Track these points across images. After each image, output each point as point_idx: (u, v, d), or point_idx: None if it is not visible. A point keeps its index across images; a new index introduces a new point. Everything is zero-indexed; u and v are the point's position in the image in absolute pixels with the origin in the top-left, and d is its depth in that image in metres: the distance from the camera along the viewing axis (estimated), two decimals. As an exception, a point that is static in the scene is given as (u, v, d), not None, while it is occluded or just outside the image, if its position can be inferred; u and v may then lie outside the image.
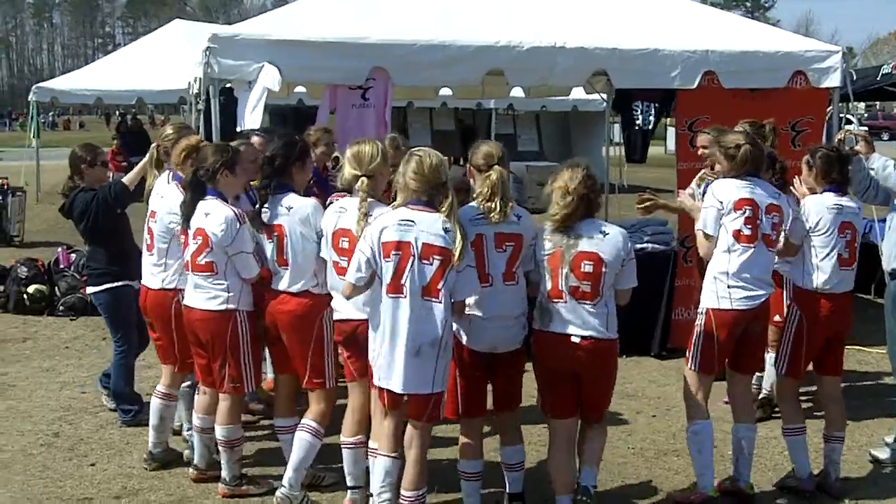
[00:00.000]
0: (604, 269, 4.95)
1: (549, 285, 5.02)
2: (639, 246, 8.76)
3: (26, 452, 6.40)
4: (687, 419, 5.63)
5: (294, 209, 5.40)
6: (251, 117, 7.72)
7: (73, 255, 11.19)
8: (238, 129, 7.78)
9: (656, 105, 9.20)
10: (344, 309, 5.22)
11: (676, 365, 8.11)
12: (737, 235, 5.47)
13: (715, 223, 5.52)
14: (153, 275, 6.06)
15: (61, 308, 10.36)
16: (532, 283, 5.16)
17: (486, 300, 5.02)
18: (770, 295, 5.63)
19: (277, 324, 5.48)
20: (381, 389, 4.89)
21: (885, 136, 50.98)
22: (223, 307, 5.51)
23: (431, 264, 4.73)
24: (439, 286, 4.74)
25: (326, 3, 8.65)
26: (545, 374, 5.17)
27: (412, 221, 4.77)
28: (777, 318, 6.87)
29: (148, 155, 6.38)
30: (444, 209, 4.79)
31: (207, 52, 7.63)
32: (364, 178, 5.12)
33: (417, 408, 4.86)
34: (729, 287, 5.46)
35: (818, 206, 5.77)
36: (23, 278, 10.57)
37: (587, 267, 4.95)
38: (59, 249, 11.41)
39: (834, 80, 8.82)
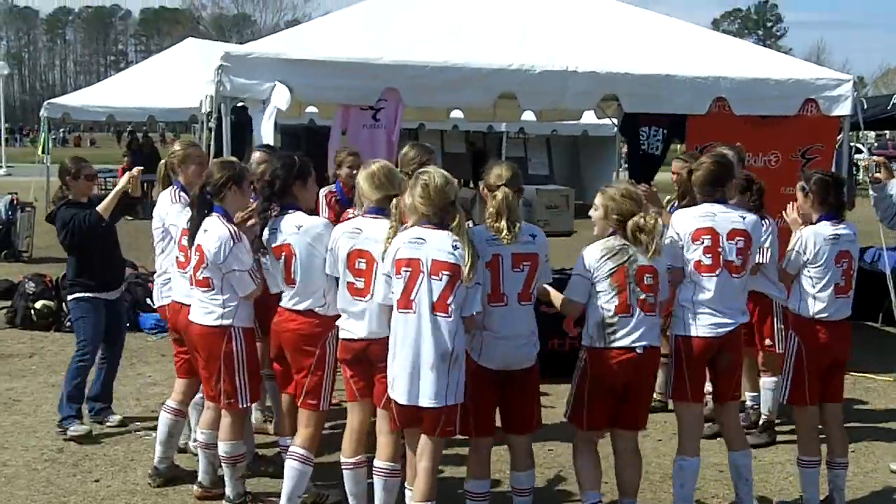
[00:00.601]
0: (659, 280, 5.22)
1: (616, 301, 5.13)
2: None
3: (31, 467, 6.39)
4: (677, 451, 5.61)
5: (304, 228, 5.39)
6: (264, 136, 7.76)
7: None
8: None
9: (665, 130, 9.17)
10: (354, 329, 5.22)
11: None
12: (697, 266, 5.46)
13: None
14: (184, 293, 6.03)
15: (68, 324, 10.30)
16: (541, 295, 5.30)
17: (500, 319, 5.06)
18: (740, 324, 5.58)
19: (282, 341, 5.48)
20: (394, 404, 4.94)
21: (895, 166, 51.02)
22: (218, 322, 5.55)
23: (441, 280, 4.80)
24: (448, 301, 4.81)
25: (339, 23, 8.72)
26: (596, 388, 5.25)
27: (423, 239, 4.85)
28: (768, 342, 6.89)
29: (158, 171, 6.49)
30: (453, 227, 4.86)
31: (220, 71, 7.68)
32: (398, 198, 5.09)
33: (430, 421, 4.89)
34: (695, 314, 5.47)
35: (816, 238, 5.74)
36: (30, 294, 10.59)
37: (649, 279, 5.17)
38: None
39: (845, 109, 8.83)
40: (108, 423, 7.26)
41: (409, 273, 4.83)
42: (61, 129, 59.67)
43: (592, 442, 5.40)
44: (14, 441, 6.90)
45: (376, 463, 5.24)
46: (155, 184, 6.55)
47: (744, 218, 5.60)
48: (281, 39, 8.75)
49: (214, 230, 5.50)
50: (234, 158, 6.04)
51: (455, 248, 4.82)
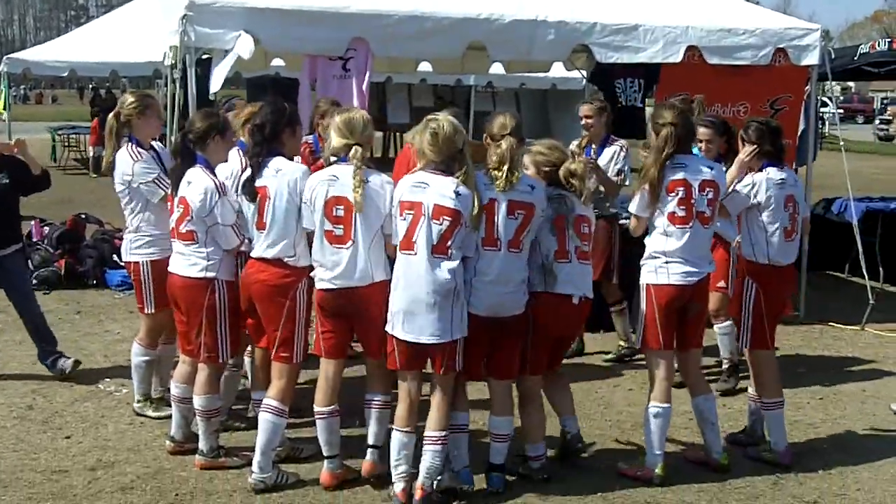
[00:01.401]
0: (592, 230, 5.46)
1: (555, 246, 5.25)
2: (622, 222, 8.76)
3: (0, 425, 6.33)
4: (649, 398, 5.67)
5: (283, 171, 5.33)
6: (213, 82, 7.63)
7: (47, 229, 11.08)
8: (210, 97, 7.74)
9: (641, 81, 9.15)
10: (332, 279, 5.21)
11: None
12: (672, 218, 5.50)
13: (645, 206, 5.55)
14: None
15: (35, 281, 10.18)
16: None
17: (491, 264, 5.13)
18: (709, 273, 5.68)
19: (252, 293, 5.43)
20: (396, 341, 5.08)
21: (860, 120, 51.39)
22: (201, 275, 5.51)
23: (441, 224, 4.96)
24: (448, 244, 4.98)
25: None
26: (541, 334, 5.38)
27: (426, 184, 5.02)
28: (721, 283, 6.95)
29: (107, 126, 6.27)
30: (459, 175, 5.00)
31: (184, 20, 7.53)
32: (358, 147, 5.15)
33: (434, 358, 5.09)
34: (667, 263, 5.53)
35: (768, 183, 5.82)
36: (-3, 250, 10.42)
37: (585, 228, 5.36)
38: (33, 223, 11.29)
39: (813, 58, 8.85)
40: (67, 370, 7.22)
41: (411, 215, 4.99)
42: (22, 86, 58.76)
43: (539, 391, 5.58)
44: (-18, 399, 6.83)
45: (368, 396, 5.39)
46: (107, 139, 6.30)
47: (711, 168, 5.66)
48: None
49: (199, 182, 5.45)
50: (216, 111, 5.95)
51: (457, 194, 4.97)
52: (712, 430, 5.73)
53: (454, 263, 5.00)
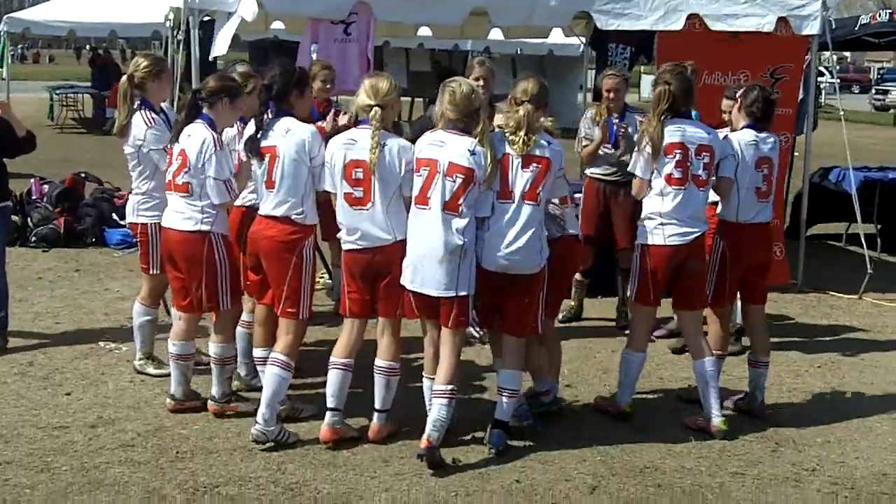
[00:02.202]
0: None
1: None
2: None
3: (0, 381, 6.38)
4: (626, 345, 5.94)
5: (292, 132, 5.40)
6: (218, 46, 7.62)
7: (46, 187, 11.09)
8: (210, 59, 7.73)
9: (631, 48, 9.14)
10: (358, 240, 5.33)
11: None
12: (668, 179, 5.65)
13: (646, 166, 5.69)
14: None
15: (33, 239, 10.25)
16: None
17: (505, 218, 5.24)
18: (704, 231, 5.81)
19: (259, 249, 5.50)
20: (410, 293, 5.27)
21: (856, 89, 51.28)
22: (197, 228, 5.57)
23: (454, 181, 5.12)
24: (460, 202, 5.14)
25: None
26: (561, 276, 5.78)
27: (443, 142, 5.19)
28: None
29: (120, 88, 6.25)
30: (476, 134, 5.15)
31: (188, -19, 7.53)
32: (377, 108, 5.24)
33: (444, 311, 5.24)
34: (662, 224, 5.68)
35: (738, 142, 5.98)
36: (-6, 209, 10.43)
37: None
38: (32, 181, 11.29)
39: (814, 28, 8.82)
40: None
41: (427, 172, 5.17)
42: (19, 46, 58.37)
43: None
44: (-18, 355, 6.88)
45: (377, 362, 5.46)
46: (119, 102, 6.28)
47: (708, 133, 5.78)
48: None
49: (198, 135, 5.52)
50: (232, 75, 5.97)
51: (472, 153, 5.12)
52: (709, 394, 5.80)
53: (464, 221, 5.15)
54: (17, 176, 13.73)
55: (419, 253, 5.19)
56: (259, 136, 5.44)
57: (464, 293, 5.21)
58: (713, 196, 6.07)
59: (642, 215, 5.79)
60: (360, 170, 5.24)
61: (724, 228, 6.07)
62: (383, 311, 5.47)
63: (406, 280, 5.26)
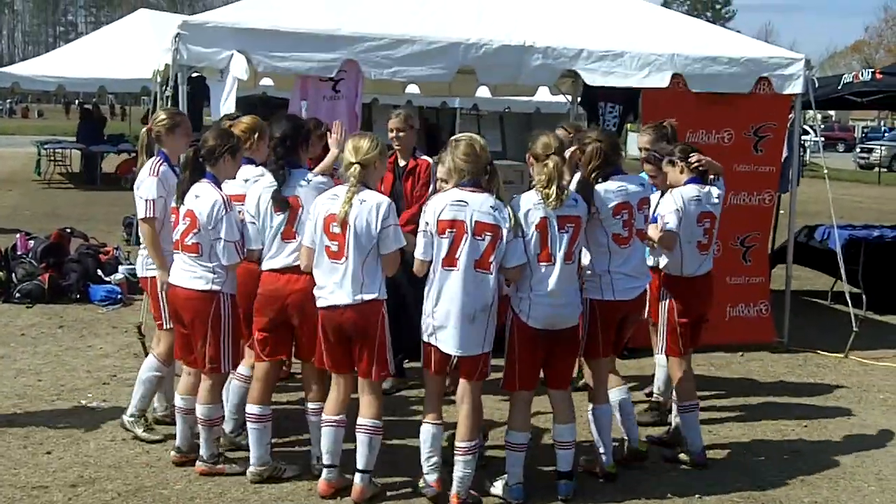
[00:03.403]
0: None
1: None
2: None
3: (-20, 439, 6.31)
4: (593, 402, 5.94)
5: (313, 182, 5.60)
6: (225, 107, 7.69)
7: (32, 242, 11.06)
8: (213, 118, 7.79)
9: (620, 107, 9.23)
10: (334, 296, 5.32)
11: (637, 364, 8.18)
12: (616, 238, 5.75)
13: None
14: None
15: (17, 295, 10.19)
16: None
17: (548, 278, 5.35)
18: (647, 283, 6.03)
19: (289, 304, 5.54)
20: (434, 351, 5.33)
21: (841, 148, 51.80)
22: (207, 287, 5.61)
23: (483, 240, 5.24)
24: (490, 259, 5.26)
25: (297, -6, 8.61)
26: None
27: (465, 202, 5.27)
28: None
29: (140, 140, 6.37)
30: (494, 189, 5.33)
31: (177, 39, 7.56)
32: (357, 166, 5.31)
33: (470, 367, 5.36)
34: (612, 280, 5.77)
35: (683, 198, 6.13)
36: (-22, 264, 10.41)
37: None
38: (18, 236, 11.27)
39: (796, 87, 8.94)
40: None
41: (453, 234, 5.24)
42: (8, 100, 58.67)
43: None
44: (-37, 412, 6.80)
45: (360, 420, 5.44)
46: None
47: (642, 185, 6.00)
48: (239, 9, 8.61)
49: (207, 196, 5.57)
50: (230, 129, 6.05)
51: (495, 209, 5.27)
52: (628, 423, 6.07)
53: (495, 279, 5.31)
54: (2, 231, 13.82)
55: (450, 314, 5.25)
56: (281, 188, 5.57)
57: (489, 349, 5.38)
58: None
59: (589, 269, 5.84)
60: (337, 224, 5.29)
61: (670, 282, 6.25)
62: (362, 373, 5.44)
63: (441, 343, 5.30)
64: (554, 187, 5.33)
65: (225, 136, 5.80)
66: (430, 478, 5.42)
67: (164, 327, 6.25)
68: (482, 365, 5.38)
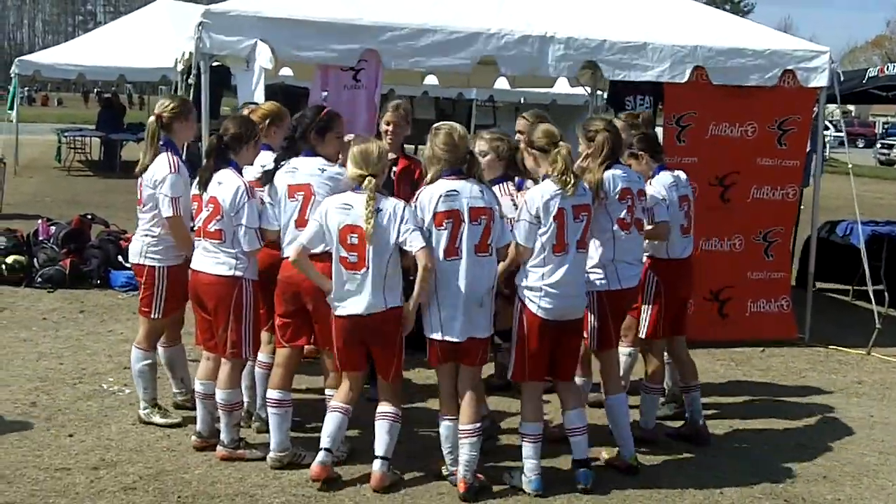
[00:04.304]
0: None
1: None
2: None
3: (3, 421, 6.33)
4: (605, 392, 5.97)
5: (327, 173, 5.59)
6: (255, 94, 7.70)
7: (53, 228, 11.10)
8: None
9: (651, 98, 9.16)
10: (351, 305, 5.30)
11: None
12: (620, 223, 5.77)
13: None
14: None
15: (39, 279, 10.25)
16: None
17: (560, 268, 5.37)
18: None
19: (302, 290, 5.54)
20: (439, 343, 5.33)
21: (861, 144, 51.54)
22: (230, 273, 5.65)
23: (480, 224, 5.28)
24: (489, 241, 5.32)
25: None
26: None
27: (456, 191, 5.28)
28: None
29: (148, 128, 6.22)
30: (474, 174, 5.37)
31: (200, 27, 7.60)
32: (371, 178, 5.26)
33: (475, 351, 5.39)
34: (617, 269, 5.79)
35: (659, 187, 6.25)
36: (1, 248, 10.45)
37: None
38: (40, 221, 11.33)
39: (822, 80, 8.89)
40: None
41: (451, 224, 5.24)
42: (26, 88, 58.89)
43: None
44: (-14, 395, 6.84)
45: (380, 408, 5.46)
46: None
47: (640, 177, 6.07)
48: (262, -2, 8.66)
49: (230, 182, 5.62)
50: (252, 117, 6.10)
51: (482, 192, 5.33)
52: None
53: (495, 259, 5.38)
54: (24, 217, 13.90)
55: (457, 303, 5.25)
56: (278, 167, 5.62)
57: (491, 332, 5.46)
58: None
59: (591, 261, 5.81)
60: (356, 235, 5.24)
61: (657, 265, 6.34)
62: (383, 375, 5.47)
63: (449, 333, 5.29)
64: (570, 174, 5.35)
65: (247, 124, 5.84)
66: (454, 467, 5.46)
67: (153, 316, 6.22)
68: (484, 350, 5.47)
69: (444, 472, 5.57)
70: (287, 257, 5.57)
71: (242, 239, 5.59)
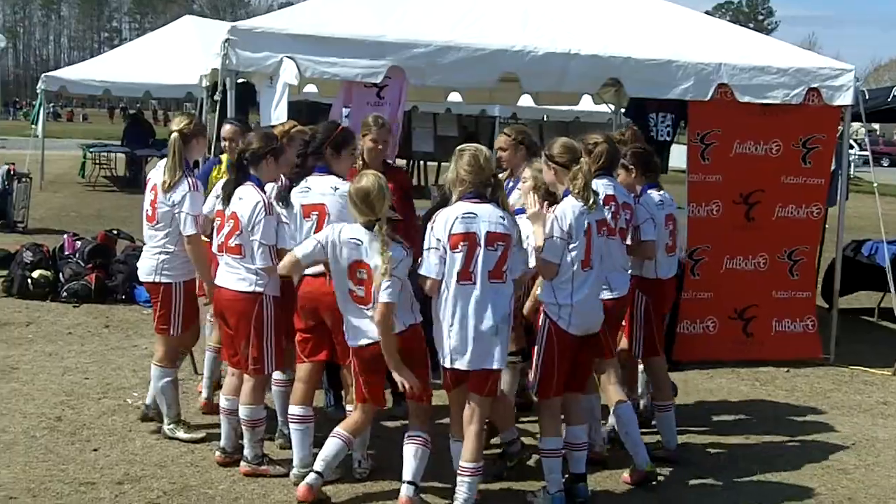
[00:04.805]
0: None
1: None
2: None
3: (29, 434, 6.37)
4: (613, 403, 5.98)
5: (340, 191, 5.56)
6: (276, 112, 7.75)
7: (79, 243, 11.18)
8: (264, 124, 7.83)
9: (673, 116, 9.14)
10: (366, 333, 5.24)
11: (682, 377, 8.10)
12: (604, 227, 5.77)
13: None
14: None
15: (65, 294, 10.32)
16: None
17: (588, 284, 5.39)
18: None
19: (321, 307, 5.56)
20: (449, 372, 5.21)
21: (886, 163, 51.18)
22: (251, 289, 5.65)
23: (496, 250, 5.12)
24: (504, 269, 5.16)
25: (344, 1, 8.67)
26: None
27: (474, 214, 5.12)
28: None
29: (174, 144, 6.11)
30: (498, 199, 5.23)
31: (226, 44, 7.66)
32: (380, 222, 5.14)
33: (481, 382, 5.22)
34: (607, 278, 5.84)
35: (649, 206, 6.26)
36: (28, 263, 10.54)
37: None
38: (65, 236, 11.40)
39: (846, 99, 8.86)
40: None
41: (466, 247, 5.09)
42: (52, 104, 59.49)
43: None
44: (12, 408, 6.88)
45: (410, 432, 5.37)
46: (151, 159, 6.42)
47: (631, 195, 6.20)
48: (286, 15, 8.73)
49: (250, 198, 5.63)
50: (273, 132, 6.06)
51: (503, 218, 5.17)
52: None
53: (510, 288, 5.22)
54: (50, 232, 14.01)
55: (469, 331, 5.10)
56: (292, 186, 5.63)
57: (504, 365, 5.31)
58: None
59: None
60: (364, 270, 5.17)
61: (646, 285, 6.35)
62: (414, 399, 5.36)
63: (459, 362, 5.14)
64: (591, 190, 5.36)
65: (267, 139, 5.84)
66: None
67: (171, 333, 6.26)
68: (495, 381, 5.30)
69: None
70: (305, 274, 5.57)
71: (257, 255, 5.59)
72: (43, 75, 22.42)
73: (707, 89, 8.58)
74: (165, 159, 6.19)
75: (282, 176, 5.88)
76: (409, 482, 5.31)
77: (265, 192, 5.69)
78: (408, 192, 7.11)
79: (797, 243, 9.06)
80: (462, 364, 5.14)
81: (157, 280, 6.23)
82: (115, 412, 6.89)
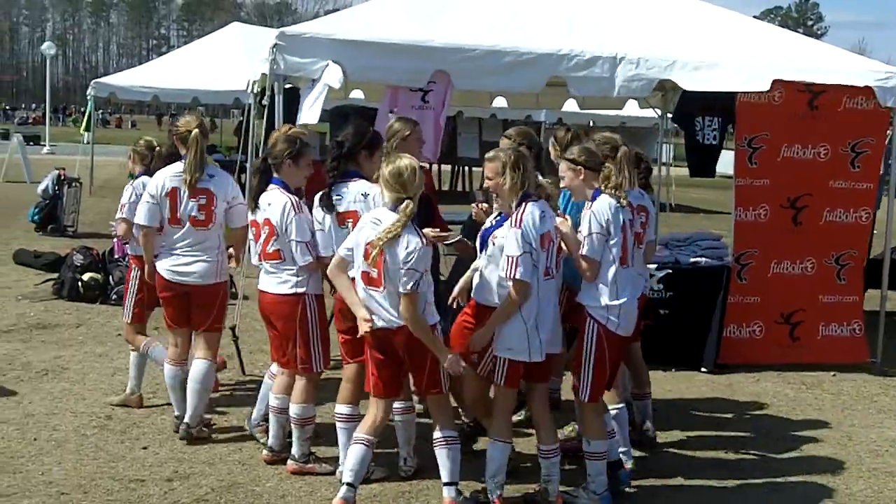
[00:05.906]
0: None
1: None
2: (692, 259, 8.77)
3: (80, 433, 6.49)
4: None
5: (370, 196, 5.55)
6: (309, 112, 7.82)
7: (128, 246, 11.31)
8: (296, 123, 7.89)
9: (719, 119, 9.05)
10: (375, 318, 5.19)
11: (727, 381, 8.07)
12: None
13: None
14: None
15: (114, 297, 10.48)
16: None
17: (628, 282, 5.45)
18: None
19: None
20: (521, 364, 5.25)
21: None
22: (293, 291, 5.74)
23: (554, 244, 5.33)
24: (559, 260, 5.40)
25: (391, 6, 8.73)
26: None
27: (545, 212, 5.27)
28: None
29: (198, 144, 6.26)
30: (542, 196, 5.44)
31: (274, 49, 7.73)
32: (409, 201, 5.09)
33: (550, 367, 5.51)
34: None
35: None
36: (78, 266, 10.73)
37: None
38: (115, 240, 11.52)
39: (897, 101, 8.73)
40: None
41: (550, 245, 5.26)
42: (101, 111, 60.33)
43: None
44: (63, 407, 7.01)
45: (434, 434, 5.31)
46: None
47: (642, 195, 6.29)
48: (333, 21, 8.79)
49: (278, 202, 5.71)
50: (300, 132, 6.04)
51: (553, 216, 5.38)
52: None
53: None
54: (99, 236, 14.21)
55: (551, 322, 5.32)
56: (332, 191, 5.62)
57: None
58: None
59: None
60: (377, 250, 5.13)
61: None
62: (417, 391, 5.44)
63: (536, 355, 5.22)
64: (622, 189, 5.45)
65: (288, 142, 5.85)
66: (494, 494, 5.35)
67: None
68: (555, 365, 5.55)
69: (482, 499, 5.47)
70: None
71: (295, 253, 5.67)
72: (93, 82, 22.72)
73: (761, 83, 8.34)
74: (177, 163, 6.35)
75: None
76: (448, 483, 5.28)
77: (292, 193, 5.74)
78: (431, 195, 7.07)
79: (844, 247, 8.99)
80: (539, 356, 5.24)
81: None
82: (164, 411, 6.98)
